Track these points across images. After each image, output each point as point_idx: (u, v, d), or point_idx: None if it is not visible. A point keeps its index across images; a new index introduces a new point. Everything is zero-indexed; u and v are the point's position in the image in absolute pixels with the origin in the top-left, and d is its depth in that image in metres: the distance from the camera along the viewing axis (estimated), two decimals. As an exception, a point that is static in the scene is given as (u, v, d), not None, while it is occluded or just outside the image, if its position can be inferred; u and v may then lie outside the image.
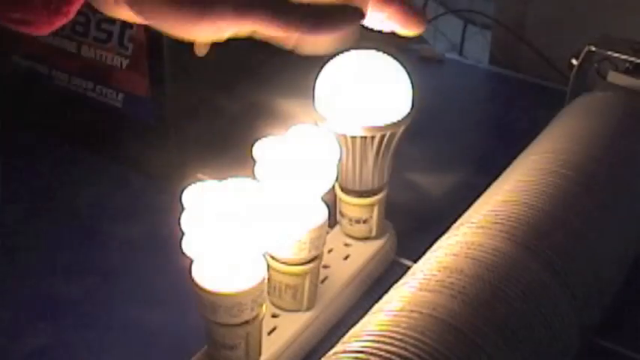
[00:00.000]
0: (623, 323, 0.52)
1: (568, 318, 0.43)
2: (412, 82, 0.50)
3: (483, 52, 0.93)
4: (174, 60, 0.59)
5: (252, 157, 0.44)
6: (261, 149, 0.44)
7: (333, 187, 0.49)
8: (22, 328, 0.52)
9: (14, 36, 0.41)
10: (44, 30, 0.38)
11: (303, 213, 0.46)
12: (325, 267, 0.52)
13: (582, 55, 0.62)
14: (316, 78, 0.50)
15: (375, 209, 0.54)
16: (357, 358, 0.38)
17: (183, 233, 0.40)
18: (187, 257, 0.41)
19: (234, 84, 0.70)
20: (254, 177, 0.43)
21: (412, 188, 0.66)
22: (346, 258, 0.54)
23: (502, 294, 0.41)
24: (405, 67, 0.50)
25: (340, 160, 0.49)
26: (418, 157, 0.68)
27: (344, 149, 0.51)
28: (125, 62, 0.61)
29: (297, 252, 0.47)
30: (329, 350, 0.40)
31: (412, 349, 0.37)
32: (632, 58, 0.60)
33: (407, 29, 0.43)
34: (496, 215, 0.46)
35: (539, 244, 0.44)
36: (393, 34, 0.44)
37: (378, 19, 0.42)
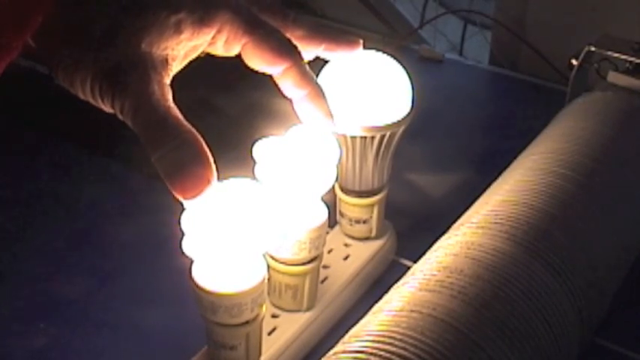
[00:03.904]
0: (623, 323, 0.52)
1: (568, 318, 0.43)
2: (412, 82, 0.50)
3: (483, 52, 0.93)
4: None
5: (252, 157, 0.44)
6: (261, 149, 0.44)
7: (333, 187, 0.49)
8: (22, 328, 0.52)
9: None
10: None
11: (303, 213, 0.46)
12: (325, 267, 0.52)
13: (582, 55, 0.62)
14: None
15: (375, 209, 0.54)
16: (357, 358, 0.38)
17: (183, 233, 0.40)
18: (187, 257, 0.41)
19: (234, 84, 0.70)
20: (254, 177, 0.43)
21: (412, 188, 0.66)
22: (346, 258, 0.54)
23: (502, 294, 0.41)
24: (405, 67, 0.50)
25: (340, 160, 0.49)
26: (418, 157, 0.68)
27: (344, 149, 0.51)
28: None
29: (297, 252, 0.47)
30: (329, 350, 0.40)
31: (412, 349, 0.37)
32: (632, 58, 0.60)
33: (343, 53, 0.48)
34: (496, 215, 0.46)
35: (539, 244, 0.44)
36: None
37: (314, 53, 0.47)
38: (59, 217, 0.62)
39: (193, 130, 0.38)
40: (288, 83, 0.44)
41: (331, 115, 0.45)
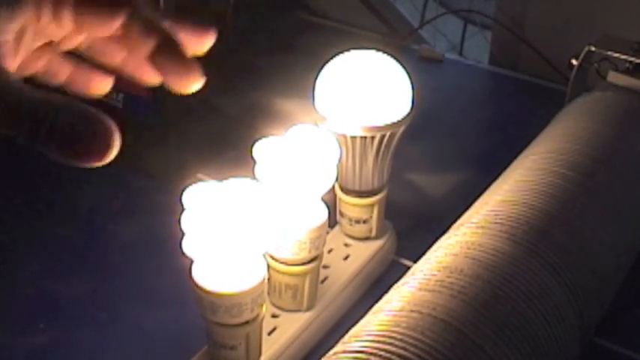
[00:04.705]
0: (623, 323, 0.52)
1: (568, 317, 0.43)
2: (412, 82, 0.50)
3: (483, 52, 0.93)
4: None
5: (252, 157, 0.44)
6: (261, 149, 0.44)
7: (333, 187, 0.49)
8: (22, 328, 0.52)
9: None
10: None
11: (303, 213, 0.46)
12: (325, 267, 0.52)
13: (582, 55, 0.62)
14: (316, 78, 0.50)
15: (375, 209, 0.54)
16: (357, 358, 0.38)
17: (183, 233, 0.40)
18: (187, 257, 0.41)
19: (234, 84, 0.70)
20: (254, 177, 0.44)
21: (412, 188, 0.66)
22: (346, 258, 0.54)
23: (502, 294, 0.41)
24: (405, 67, 0.50)
25: (340, 160, 0.49)
26: (418, 157, 0.68)
27: (344, 149, 0.51)
28: (125, 62, 0.61)
29: (297, 252, 0.47)
30: (329, 350, 0.40)
31: (412, 349, 0.37)
32: (632, 58, 0.60)
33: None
34: (496, 215, 0.46)
35: (539, 244, 0.44)
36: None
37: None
38: (59, 217, 0.62)
39: (58, 95, 0.34)
40: (134, 37, 0.36)
41: (191, 66, 0.38)
